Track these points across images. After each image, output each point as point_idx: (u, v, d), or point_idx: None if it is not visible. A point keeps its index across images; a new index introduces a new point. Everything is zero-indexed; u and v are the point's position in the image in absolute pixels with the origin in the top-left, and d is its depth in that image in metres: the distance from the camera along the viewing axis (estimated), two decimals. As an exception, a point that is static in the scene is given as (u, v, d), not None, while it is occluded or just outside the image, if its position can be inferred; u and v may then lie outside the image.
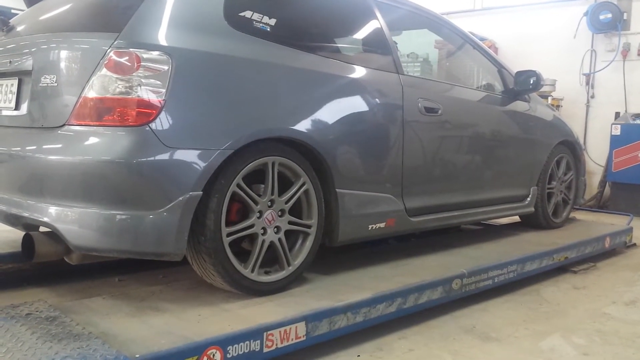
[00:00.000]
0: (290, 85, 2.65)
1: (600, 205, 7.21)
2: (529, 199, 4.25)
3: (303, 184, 2.65)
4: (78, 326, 2.10)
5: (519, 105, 4.15)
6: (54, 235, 2.28)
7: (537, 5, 7.88)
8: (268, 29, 2.65)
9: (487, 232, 4.45)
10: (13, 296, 2.73)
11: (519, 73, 4.06)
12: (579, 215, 5.31)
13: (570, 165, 4.66)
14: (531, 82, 4.01)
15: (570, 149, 4.66)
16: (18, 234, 2.51)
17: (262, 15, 2.63)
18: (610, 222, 5.16)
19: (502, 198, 4.06)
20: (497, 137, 3.92)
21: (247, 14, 2.60)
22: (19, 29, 2.78)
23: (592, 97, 7.58)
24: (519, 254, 3.53)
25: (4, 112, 2.62)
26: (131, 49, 2.22)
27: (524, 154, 4.15)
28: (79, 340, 1.97)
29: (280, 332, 2.22)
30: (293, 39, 2.77)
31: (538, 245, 3.86)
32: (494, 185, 3.96)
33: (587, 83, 7.57)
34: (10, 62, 2.57)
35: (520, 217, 4.55)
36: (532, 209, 4.31)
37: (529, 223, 4.51)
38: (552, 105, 6.88)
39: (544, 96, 6.88)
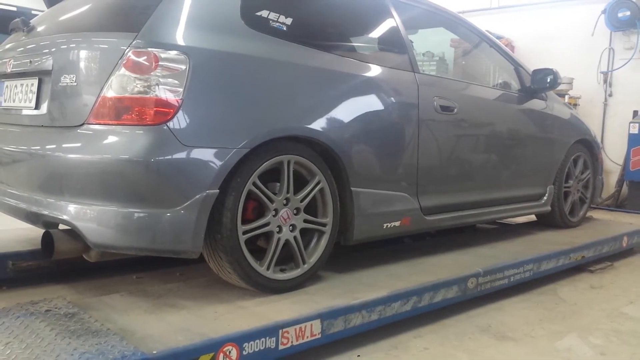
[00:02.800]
0: (306, 84, 2.66)
1: (618, 204, 7.13)
2: (545, 197, 4.22)
3: (318, 183, 2.66)
4: (96, 322, 2.12)
5: (535, 104, 4.12)
6: (73, 233, 2.31)
7: (554, 3, 7.80)
8: (284, 28, 2.66)
9: (503, 231, 4.43)
10: (32, 293, 2.78)
11: (536, 71, 4.04)
12: (596, 214, 5.26)
13: (587, 163, 4.63)
14: (548, 80, 3.98)
15: (588, 148, 4.62)
16: (38, 231, 2.55)
17: (278, 15, 2.64)
18: (628, 222, 5.10)
19: (519, 197, 4.03)
20: (514, 136, 3.90)
21: (264, 13, 2.61)
22: (39, 29, 2.81)
23: (610, 95, 7.49)
24: (535, 253, 3.51)
25: (25, 112, 2.66)
26: (149, 49, 2.24)
27: (540, 152, 4.12)
28: (97, 336, 1.99)
29: (295, 329, 2.23)
30: (309, 38, 2.77)
31: (554, 244, 3.83)
32: (510, 184, 3.94)
33: (605, 81, 7.48)
34: (30, 62, 2.60)
35: (536, 216, 4.52)
36: (549, 208, 4.28)
37: (546, 222, 4.48)
38: (570, 103, 6.82)
39: (561, 94, 6.82)
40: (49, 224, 2.42)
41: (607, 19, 7.26)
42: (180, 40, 2.31)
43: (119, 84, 2.24)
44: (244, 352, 2.08)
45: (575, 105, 7.22)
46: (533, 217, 4.60)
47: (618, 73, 7.39)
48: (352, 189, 2.80)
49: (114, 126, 2.25)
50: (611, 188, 7.24)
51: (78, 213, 2.25)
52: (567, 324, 2.92)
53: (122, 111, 2.23)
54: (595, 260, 4.05)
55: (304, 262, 2.64)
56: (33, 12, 6.15)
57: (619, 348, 2.64)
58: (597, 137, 4.87)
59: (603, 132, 7.50)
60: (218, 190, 2.30)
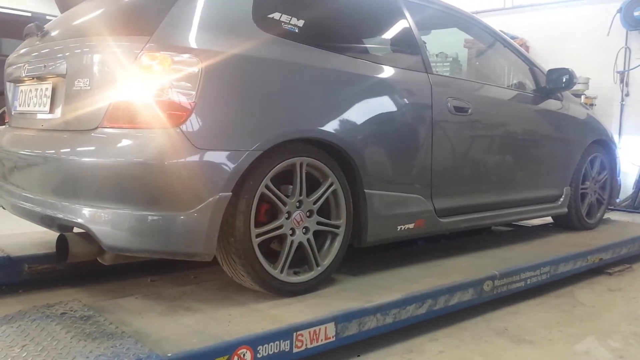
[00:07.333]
0: (319, 86, 2.65)
1: (636, 205, 7.04)
2: (562, 199, 4.18)
3: (331, 185, 2.65)
4: (111, 325, 2.13)
5: (551, 104, 4.08)
6: (88, 236, 2.32)
7: (568, 3, 7.74)
8: (296, 30, 2.65)
9: (519, 233, 4.39)
10: (48, 296, 2.79)
11: (551, 71, 4.00)
12: (613, 215, 5.20)
13: (604, 164, 4.57)
14: (564, 80, 3.94)
15: (605, 148, 4.57)
16: (53, 235, 2.56)
17: (290, 17, 2.64)
18: (647, 223, 5.04)
19: (534, 198, 3.99)
20: (529, 137, 3.86)
21: (276, 15, 2.60)
22: (53, 34, 2.83)
23: (627, 95, 7.42)
24: (552, 255, 3.47)
25: (39, 116, 2.68)
26: (162, 52, 2.25)
27: (556, 153, 4.08)
28: (112, 339, 2.00)
29: (309, 332, 2.22)
30: (321, 40, 2.77)
31: (571, 246, 3.79)
32: (525, 185, 3.90)
33: (622, 81, 7.41)
34: (44, 66, 2.62)
35: (553, 218, 4.48)
36: (565, 210, 4.23)
37: (562, 224, 4.43)
38: (586, 103, 6.75)
39: (577, 95, 6.76)
40: (64, 227, 2.43)
41: (622, 18, 7.20)
42: (192, 43, 2.31)
43: (133, 88, 2.24)
44: (258, 355, 2.07)
45: (591, 105, 7.15)
46: (549, 219, 4.55)
47: (635, 72, 7.32)
48: (366, 190, 2.78)
49: (127, 129, 2.26)
50: (629, 189, 7.15)
51: (92, 216, 2.26)
52: (585, 327, 2.89)
53: (135, 114, 2.24)
54: (613, 263, 4.00)
55: (317, 265, 2.63)
56: (47, 17, 6.21)
57: (638, 351, 2.59)
58: (614, 138, 4.82)
59: (620, 132, 7.43)
60: (231, 193, 2.29)
